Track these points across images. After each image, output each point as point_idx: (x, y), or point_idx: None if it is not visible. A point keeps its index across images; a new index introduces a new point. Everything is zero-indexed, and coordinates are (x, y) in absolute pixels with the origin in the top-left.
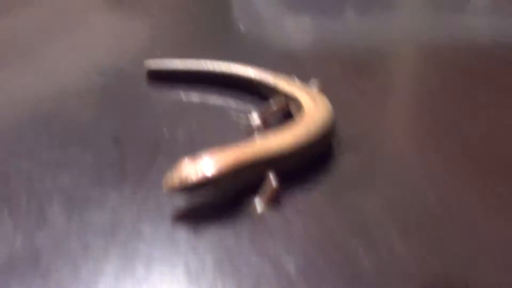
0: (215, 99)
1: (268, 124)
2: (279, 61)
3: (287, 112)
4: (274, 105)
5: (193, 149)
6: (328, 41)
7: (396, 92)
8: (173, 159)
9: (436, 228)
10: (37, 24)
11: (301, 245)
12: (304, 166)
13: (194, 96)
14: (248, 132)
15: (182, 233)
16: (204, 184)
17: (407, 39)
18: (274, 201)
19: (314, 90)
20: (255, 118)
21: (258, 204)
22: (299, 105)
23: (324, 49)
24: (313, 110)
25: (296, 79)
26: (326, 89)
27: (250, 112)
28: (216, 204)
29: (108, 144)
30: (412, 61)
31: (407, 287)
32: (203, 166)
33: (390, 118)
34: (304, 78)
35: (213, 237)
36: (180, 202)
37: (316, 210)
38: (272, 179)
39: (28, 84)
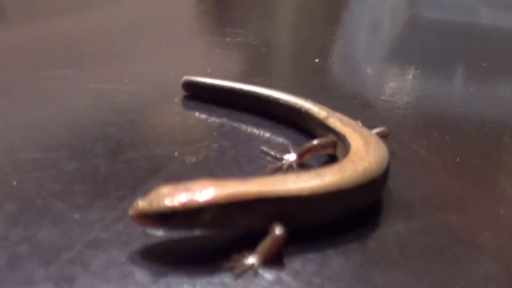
0: (249, 127)
1: (304, 165)
2: (359, 109)
3: (333, 155)
4: (318, 143)
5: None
6: (421, 103)
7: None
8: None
9: None
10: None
11: None
12: (328, 225)
13: (226, 120)
14: (275, 169)
15: (136, 273)
16: (178, 215)
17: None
18: (271, 259)
19: (374, 136)
20: (290, 155)
21: (248, 258)
22: (347, 148)
23: (413, 107)
24: (361, 155)
25: (359, 123)
26: (396, 142)
27: (287, 148)
28: (192, 241)
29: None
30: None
31: None
32: (184, 195)
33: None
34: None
35: None
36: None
37: (323, 285)
38: (277, 229)
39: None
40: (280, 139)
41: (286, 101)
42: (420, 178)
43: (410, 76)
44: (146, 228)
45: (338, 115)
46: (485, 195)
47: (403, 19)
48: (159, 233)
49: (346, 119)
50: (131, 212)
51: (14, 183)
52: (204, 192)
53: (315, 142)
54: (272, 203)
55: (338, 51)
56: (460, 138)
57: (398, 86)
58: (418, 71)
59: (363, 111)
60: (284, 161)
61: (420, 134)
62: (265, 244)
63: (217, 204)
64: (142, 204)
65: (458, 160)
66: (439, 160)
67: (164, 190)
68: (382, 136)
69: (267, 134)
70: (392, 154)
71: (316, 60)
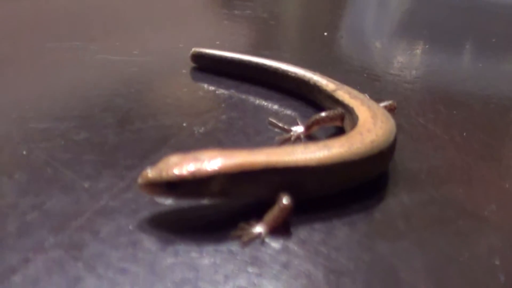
0: (257, 99)
1: (312, 137)
2: (367, 83)
3: (341, 128)
4: (326, 115)
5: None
6: (429, 77)
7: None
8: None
9: None
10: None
11: None
12: (335, 196)
13: (234, 92)
14: (283, 140)
15: (145, 241)
16: (189, 182)
17: None
18: (278, 228)
19: (382, 109)
20: (298, 127)
21: (255, 227)
22: (355, 120)
23: (421, 82)
24: (368, 127)
25: (367, 96)
26: (403, 115)
27: (295, 120)
28: (201, 210)
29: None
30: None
31: None
32: (193, 162)
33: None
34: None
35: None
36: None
37: (329, 254)
38: (284, 199)
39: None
40: (288, 111)
41: (295, 73)
42: (426, 151)
43: (418, 51)
44: (154, 196)
45: (346, 88)
46: (490, 169)
47: None
48: (168, 202)
49: (354, 92)
50: (140, 180)
51: (24, 152)
52: (212, 161)
53: (323, 114)
54: (279, 173)
55: (347, 25)
56: (467, 112)
57: (407, 60)
58: (426, 46)
59: (371, 84)
60: (292, 133)
61: (427, 108)
62: (272, 214)
63: (225, 173)
64: (151, 173)
65: (464, 134)
66: (445, 134)
67: (173, 159)
68: (390, 109)
69: (275, 106)
70: (399, 127)
71: (325, 34)
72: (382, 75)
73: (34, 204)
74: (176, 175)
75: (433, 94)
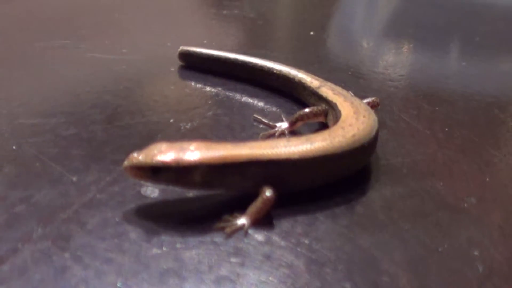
0: (243, 96)
1: (296, 133)
2: (352, 81)
3: (325, 124)
4: (310, 111)
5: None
6: (413, 75)
7: (465, 136)
8: None
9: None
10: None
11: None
12: (317, 190)
13: (220, 89)
14: (268, 136)
15: (130, 232)
16: (172, 169)
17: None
18: (261, 220)
19: (365, 105)
20: (282, 123)
21: (239, 219)
22: (338, 116)
23: (405, 79)
24: (350, 122)
25: (351, 93)
26: (387, 112)
27: (280, 116)
28: (187, 203)
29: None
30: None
31: None
32: (178, 151)
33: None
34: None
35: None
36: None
37: (311, 246)
38: (267, 191)
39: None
40: (273, 108)
41: (280, 71)
42: (408, 146)
43: (404, 50)
44: (138, 179)
45: (330, 84)
46: (471, 164)
47: None
48: (154, 195)
49: (338, 88)
50: (126, 163)
51: (14, 147)
52: (197, 152)
53: (306, 110)
54: (262, 166)
55: (334, 24)
56: (449, 109)
57: (392, 59)
58: (411, 45)
59: (356, 82)
60: (276, 128)
61: (410, 105)
62: (255, 206)
63: (208, 164)
64: (137, 157)
65: (446, 130)
66: (428, 129)
67: (160, 146)
68: (373, 105)
69: (261, 103)
70: (382, 123)
71: (311, 33)
72: (367, 73)
73: (23, 197)
74: (161, 161)
75: (417, 92)
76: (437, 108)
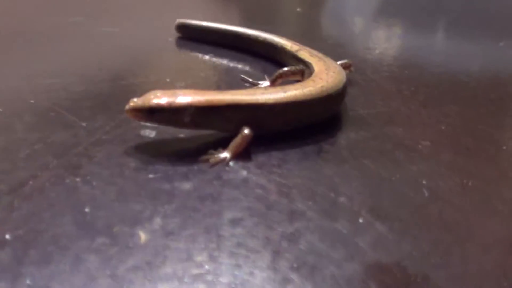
0: (232, 61)
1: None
2: (332, 49)
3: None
4: (288, 70)
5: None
6: (386, 45)
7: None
8: None
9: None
10: None
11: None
12: (290, 132)
13: (212, 55)
14: None
15: (130, 163)
16: (165, 110)
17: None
18: (240, 154)
19: (337, 64)
20: (265, 82)
21: (222, 153)
22: (312, 73)
23: (379, 48)
24: (321, 77)
25: (328, 58)
26: (360, 73)
27: (263, 76)
28: (179, 141)
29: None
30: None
31: None
32: (171, 95)
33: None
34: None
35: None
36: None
37: (282, 174)
38: (246, 129)
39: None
40: (258, 70)
41: (264, 38)
42: (376, 101)
43: (381, 25)
44: (138, 119)
45: (308, 49)
46: (430, 115)
47: None
48: (151, 135)
49: (314, 52)
50: (127, 107)
51: (32, 101)
52: (186, 96)
53: (285, 68)
54: (241, 109)
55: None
56: (417, 73)
57: (370, 32)
58: (390, 19)
59: (335, 50)
60: (259, 86)
61: (382, 69)
62: (235, 141)
63: (196, 106)
64: (136, 101)
65: (412, 88)
66: (395, 88)
67: (156, 92)
68: (345, 66)
69: (247, 66)
70: (354, 82)
71: (298, 9)
72: (345, 42)
73: (40, 138)
74: (156, 103)
75: (389, 57)
76: (406, 72)
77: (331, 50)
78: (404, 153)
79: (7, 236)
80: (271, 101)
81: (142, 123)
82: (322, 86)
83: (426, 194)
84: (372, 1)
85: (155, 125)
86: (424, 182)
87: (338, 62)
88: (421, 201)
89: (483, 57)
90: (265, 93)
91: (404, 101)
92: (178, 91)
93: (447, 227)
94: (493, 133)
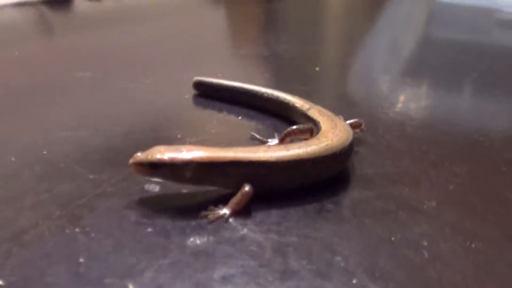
0: (244, 118)
1: None
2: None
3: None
4: (296, 128)
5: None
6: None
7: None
8: None
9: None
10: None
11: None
12: (291, 190)
13: (226, 113)
14: None
15: (131, 216)
16: (167, 165)
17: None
18: (240, 212)
19: (345, 123)
20: (274, 139)
21: (221, 209)
22: (319, 131)
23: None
24: (326, 135)
25: (340, 117)
26: (371, 132)
27: (273, 133)
28: (181, 197)
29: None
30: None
31: None
32: (173, 151)
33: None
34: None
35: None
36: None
37: (279, 232)
38: (246, 186)
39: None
40: (270, 128)
41: (277, 96)
42: (384, 161)
43: (397, 85)
44: (141, 174)
45: (319, 108)
46: (439, 174)
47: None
48: (155, 190)
49: (324, 110)
50: (130, 161)
51: (45, 152)
52: (189, 152)
53: (294, 127)
54: (243, 167)
55: (337, 62)
56: (431, 132)
57: (385, 91)
58: (408, 79)
59: (349, 109)
60: (268, 144)
61: (395, 128)
62: (236, 198)
63: (197, 162)
64: (139, 156)
65: (424, 148)
66: (406, 147)
67: (159, 148)
68: (355, 125)
69: (258, 124)
70: (364, 141)
71: (317, 69)
72: (360, 101)
73: (47, 188)
74: (157, 158)
75: (403, 117)
76: (419, 131)
77: (345, 109)
78: (408, 213)
79: (1, 282)
80: (273, 159)
81: (147, 177)
82: (326, 145)
83: (426, 255)
84: (394, 61)
85: (159, 180)
86: (425, 243)
87: (348, 121)
88: (420, 263)
89: (502, 117)
90: (268, 150)
91: (414, 161)
92: (182, 147)
93: None
94: (503, 193)
